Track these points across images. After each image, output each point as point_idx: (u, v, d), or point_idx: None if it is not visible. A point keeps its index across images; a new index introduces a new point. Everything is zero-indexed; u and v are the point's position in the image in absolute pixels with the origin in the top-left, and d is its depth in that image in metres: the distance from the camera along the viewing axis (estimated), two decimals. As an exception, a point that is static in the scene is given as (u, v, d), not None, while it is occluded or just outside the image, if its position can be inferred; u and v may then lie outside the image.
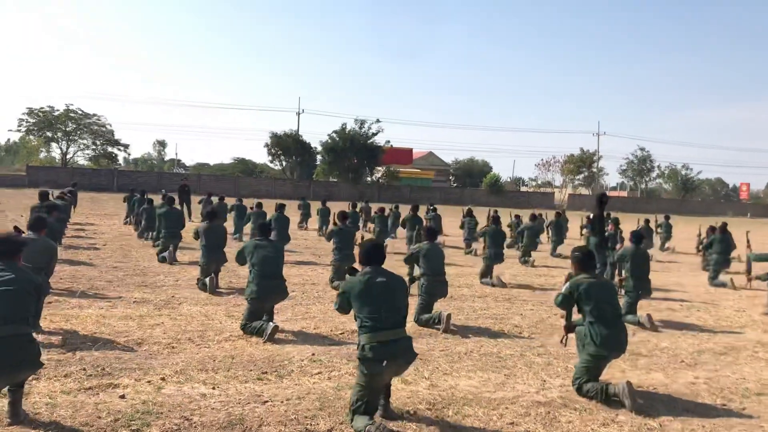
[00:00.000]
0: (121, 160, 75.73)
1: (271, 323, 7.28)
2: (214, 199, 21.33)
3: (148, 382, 5.58)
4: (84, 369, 5.80)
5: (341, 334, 7.80)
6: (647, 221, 21.32)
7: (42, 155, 66.65)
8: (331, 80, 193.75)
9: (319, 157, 65.07)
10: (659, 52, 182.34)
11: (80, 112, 62.75)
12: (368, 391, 4.74)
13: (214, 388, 5.51)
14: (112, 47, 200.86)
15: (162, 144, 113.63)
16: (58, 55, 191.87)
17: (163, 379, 5.68)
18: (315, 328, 8.05)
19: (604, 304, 5.84)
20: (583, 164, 77.43)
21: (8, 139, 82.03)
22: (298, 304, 9.57)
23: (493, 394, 5.80)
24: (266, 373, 6.04)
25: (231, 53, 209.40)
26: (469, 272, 13.91)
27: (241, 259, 7.85)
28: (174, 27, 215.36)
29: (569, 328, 6.10)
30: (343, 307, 5.02)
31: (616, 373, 6.60)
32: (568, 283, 5.99)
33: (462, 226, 19.89)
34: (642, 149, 78.27)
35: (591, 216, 12.76)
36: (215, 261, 10.62)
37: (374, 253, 5.10)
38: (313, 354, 6.76)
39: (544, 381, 6.28)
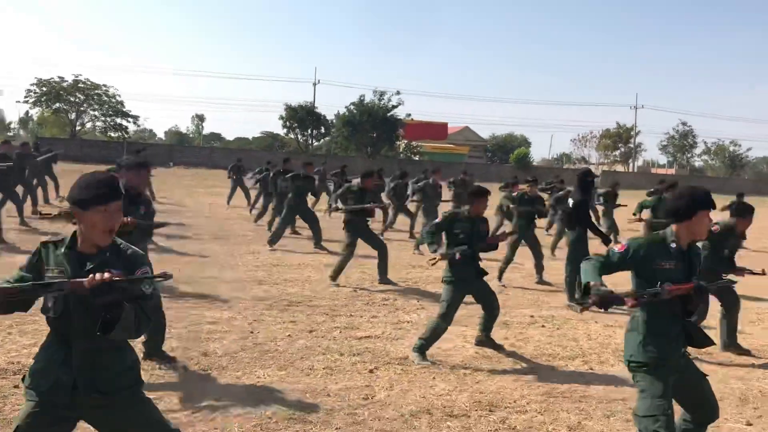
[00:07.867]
0: (161, 134, 74.62)
1: None
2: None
3: None
4: None
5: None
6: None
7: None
8: (351, 50, 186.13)
9: (333, 130, 62.17)
10: (703, 23, 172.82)
11: (89, 82, 60.45)
12: None
13: None
14: (125, 18, 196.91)
15: (201, 118, 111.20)
16: (79, 27, 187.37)
17: None
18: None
19: None
20: (619, 139, 73.36)
21: (26, 112, 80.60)
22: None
23: None
24: None
25: (248, 21, 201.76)
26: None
27: None
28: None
29: None
30: None
31: None
32: None
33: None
34: (684, 124, 73.81)
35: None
36: None
37: None
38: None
39: None
